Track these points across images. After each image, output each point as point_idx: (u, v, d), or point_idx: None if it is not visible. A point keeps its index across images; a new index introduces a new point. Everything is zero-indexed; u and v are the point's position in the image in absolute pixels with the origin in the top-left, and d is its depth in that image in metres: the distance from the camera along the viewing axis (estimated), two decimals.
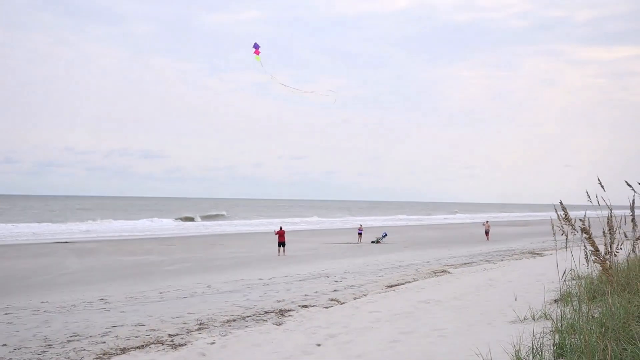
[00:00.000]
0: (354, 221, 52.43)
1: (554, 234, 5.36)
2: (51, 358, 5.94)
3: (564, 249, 5.64)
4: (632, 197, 5.23)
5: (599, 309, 5.24)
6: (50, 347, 6.40)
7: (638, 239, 5.19)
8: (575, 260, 5.55)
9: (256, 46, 14.29)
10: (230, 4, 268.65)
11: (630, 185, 5.11)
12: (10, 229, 37.27)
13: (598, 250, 4.06)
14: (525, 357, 4.28)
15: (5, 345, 6.52)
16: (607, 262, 4.46)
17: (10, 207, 75.85)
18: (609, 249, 5.13)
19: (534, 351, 4.32)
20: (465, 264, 16.15)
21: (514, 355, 4.27)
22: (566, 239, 5.21)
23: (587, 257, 4.75)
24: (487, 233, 31.24)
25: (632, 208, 5.27)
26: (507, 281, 10.44)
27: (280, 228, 22.87)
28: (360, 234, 30.20)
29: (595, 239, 4.19)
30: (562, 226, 5.00)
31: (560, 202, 4.93)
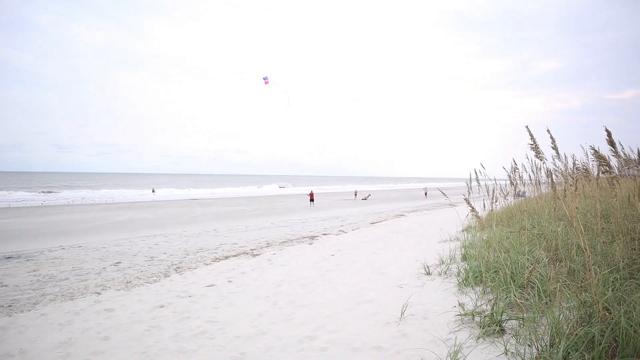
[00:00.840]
0: (352, 187, 73.90)
1: (469, 193, 9.09)
2: (189, 260, 9.36)
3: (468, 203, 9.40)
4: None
5: (485, 235, 8.76)
6: (187, 255, 10.06)
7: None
8: (478, 209, 9.24)
9: (265, 79, 18.64)
10: None
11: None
12: (165, 193, 52.57)
13: (474, 209, 7.64)
14: (445, 260, 6.97)
15: (164, 253, 10.34)
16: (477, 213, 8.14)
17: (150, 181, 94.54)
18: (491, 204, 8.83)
19: (450, 257, 7.07)
20: (414, 211, 24.68)
21: (440, 260, 7.07)
22: (468, 197, 8.97)
23: (484, 205, 8.51)
24: (425, 194, 47.65)
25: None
26: (436, 221, 15.42)
27: (311, 191, 34.78)
28: (355, 194, 45.73)
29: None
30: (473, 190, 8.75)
31: (478, 172, 8.69)
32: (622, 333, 2.83)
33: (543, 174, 9.40)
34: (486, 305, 4.27)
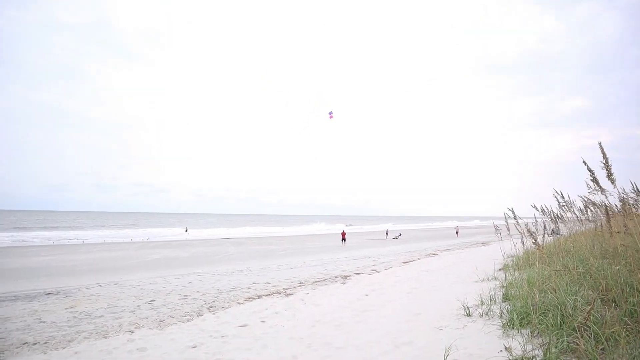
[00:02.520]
0: (382, 227, 73.89)
1: (498, 232, 8.73)
2: (222, 299, 9.16)
3: (501, 241, 9.03)
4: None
5: (525, 274, 8.29)
6: (220, 293, 9.88)
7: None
8: (509, 247, 8.81)
9: (330, 113, 19.51)
10: None
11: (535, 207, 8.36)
12: (199, 233, 53.72)
13: (536, 240, 7.15)
14: (486, 300, 6.51)
15: (198, 291, 10.21)
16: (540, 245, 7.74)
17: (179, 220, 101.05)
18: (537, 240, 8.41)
19: (490, 298, 6.58)
20: (446, 250, 23.66)
21: (480, 300, 6.61)
22: (501, 235, 8.60)
23: (523, 243, 8.11)
24: (457, 232, 47.69)
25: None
26: (470, 259, 14.75)
27: (343, 231, 35.39)
28: (387, 233, 46.10)
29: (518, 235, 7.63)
30: (504, 228, 8.40)
31: (513, 211, 8.35)
32: None
33: (576, 212, 8.99)
34: (536, 350, 3.92)
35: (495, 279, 8.83)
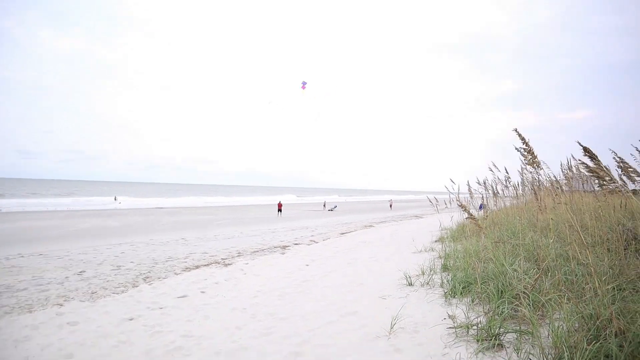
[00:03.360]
0: (320, 199, 71.48)
1: (434, 206, 8.96)
2: (158, 269, 8.72)
3: (434, 215, 9.29)
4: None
5: (459, 245, 8.63)
6: (156, 264, 9.36)
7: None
8: (444, 220, 9.13)
9: (304, 83, 18.74)
10: None
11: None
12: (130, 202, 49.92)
13: (471, 214, 7.40)
14: (426, 270, 6.62)
15: (132, 262, 9.59)
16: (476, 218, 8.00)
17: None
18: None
19: (430, 268, 6.68)
20: (382, 222, 23.92)
21: (421, 270, 6.69)
22: (437, 208, 8.84)
23: (452, 218, 8.38)
24: (390, 206, 48.07)
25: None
26: (406, 231, 15.34)
27: (279, 202, 34.09)
28: (324, 205, 44.95)
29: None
30: (438, 202, 8.63)
31: (448, 188, 8.55)
32: None
33: (500, 188, 9.47)
34: (478, 317, 4.01)
35: (433, 250, 9.11)
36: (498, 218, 8.57)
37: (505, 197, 9.59)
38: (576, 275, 4.08)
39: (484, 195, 9.70)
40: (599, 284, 3.30)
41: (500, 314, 3.75)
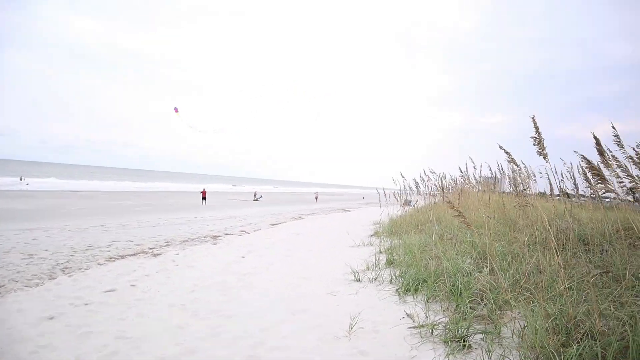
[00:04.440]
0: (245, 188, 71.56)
1: (363, 199, 8.94)
2: (78, 259, 7.73)
3: (360, 208, 9.40)
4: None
5: (397, 240, 8.66)
6: (75, 252, 8.30)
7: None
8: (373, 214, 9.18)
9: (176, 109, 18.79)
10: None
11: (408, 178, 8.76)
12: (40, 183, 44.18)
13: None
14: (371, 266, 6.56)
15: (46, 250, 8.45)
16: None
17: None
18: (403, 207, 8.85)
19: (375, 263, 6.66)
20: (310, 214, 23.35)
21: (366, 265, 6.61)
22: (371, 202, 8.84)
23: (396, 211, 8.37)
24: (316, 198, 47.09)
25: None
26: (337, 223, 15.59)
27: (204, 189, 33.06)
28: (255, 195, 43.37)
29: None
30: (368, 197, 8.62)
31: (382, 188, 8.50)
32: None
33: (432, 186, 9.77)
34: (440, 317, 3.92)
35: (371, 244, 9.09)
36: (435, 214, 8.75)
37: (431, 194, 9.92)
38: (529, 274, 4.14)
39: (412, 192, 9.93)
40: (562, 283, 3.32)
41: (463, 314, 3.68)
